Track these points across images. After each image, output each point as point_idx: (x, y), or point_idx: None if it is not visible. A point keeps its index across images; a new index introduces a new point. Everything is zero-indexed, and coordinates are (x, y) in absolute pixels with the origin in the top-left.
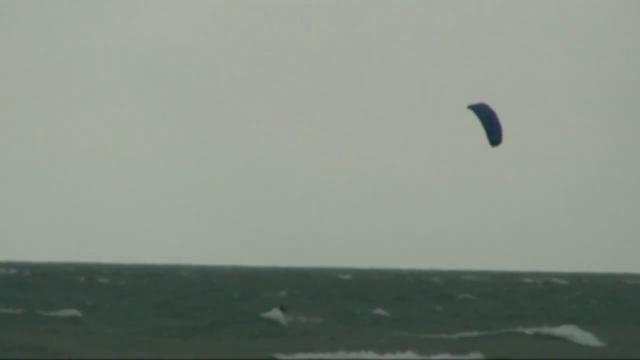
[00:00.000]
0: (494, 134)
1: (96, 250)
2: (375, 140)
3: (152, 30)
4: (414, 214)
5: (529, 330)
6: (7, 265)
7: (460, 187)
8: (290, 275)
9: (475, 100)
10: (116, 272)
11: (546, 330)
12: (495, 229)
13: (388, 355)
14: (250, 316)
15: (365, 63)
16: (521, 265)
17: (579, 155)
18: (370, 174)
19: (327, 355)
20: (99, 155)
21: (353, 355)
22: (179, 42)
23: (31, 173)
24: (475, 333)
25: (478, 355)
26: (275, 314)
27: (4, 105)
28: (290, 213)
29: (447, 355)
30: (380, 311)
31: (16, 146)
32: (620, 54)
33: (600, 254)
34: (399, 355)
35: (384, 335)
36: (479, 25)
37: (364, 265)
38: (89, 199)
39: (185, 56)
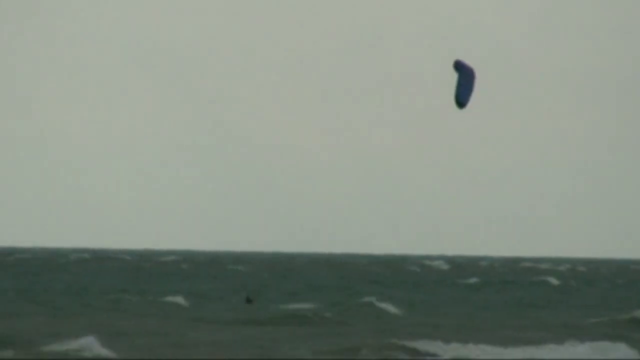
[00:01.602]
0: (466, 97)
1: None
2: (382, 128)
3: (152, 28)
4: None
5: None
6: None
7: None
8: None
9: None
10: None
11: None
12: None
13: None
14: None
15: (363, 58)
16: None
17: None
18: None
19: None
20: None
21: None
22: (179, 39)
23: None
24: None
25: None
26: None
27: (3, 104)
28: (291, 206)
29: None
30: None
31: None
32: (606, 42)
33: None
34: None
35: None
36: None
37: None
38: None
39: (184, 51)
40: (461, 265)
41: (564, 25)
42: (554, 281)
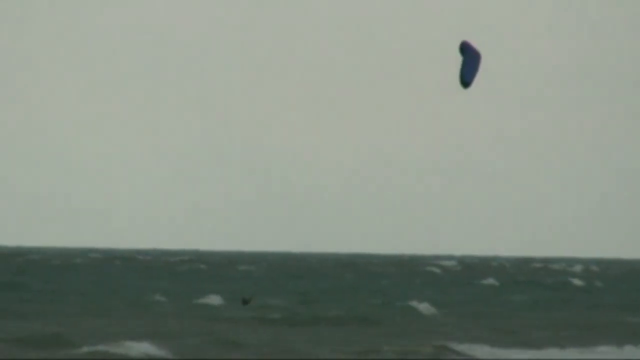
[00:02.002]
0: (471, 77)
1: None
2: (382, 127)
3: (152, 28)
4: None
5: None
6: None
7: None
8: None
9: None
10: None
11: None
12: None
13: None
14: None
15: (365, 58)
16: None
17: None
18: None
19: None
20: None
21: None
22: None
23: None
24: None
25: None
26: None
27: (4, 102)
28: (292, 204)
29: None
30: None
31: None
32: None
33: None
34: None
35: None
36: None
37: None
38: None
39: (184, 51)
40: (473, 266)
41: (576, 23)
42: (577, 282)
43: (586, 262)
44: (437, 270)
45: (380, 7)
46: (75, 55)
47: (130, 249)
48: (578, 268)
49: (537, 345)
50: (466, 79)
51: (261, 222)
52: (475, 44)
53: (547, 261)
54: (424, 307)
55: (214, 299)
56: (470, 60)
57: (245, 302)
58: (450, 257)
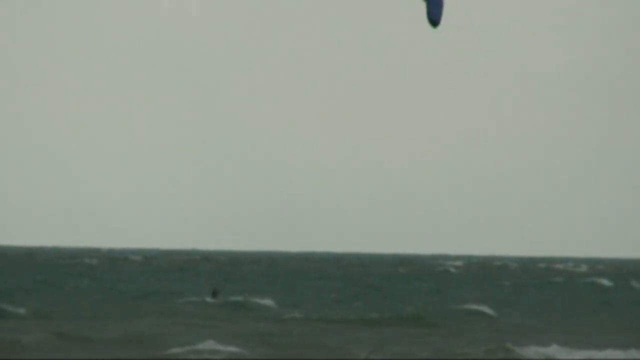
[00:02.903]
0: (438, 14)
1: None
2: (385, 129)
3: (152, 28)
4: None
5: None
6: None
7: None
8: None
9: None
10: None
11: None
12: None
13: None
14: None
15: (368, 57)
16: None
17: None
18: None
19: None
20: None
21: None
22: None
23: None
24: None
25: None
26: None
27: (3, 101)
28: (290, 202)
29: None
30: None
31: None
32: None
33: None
34: None
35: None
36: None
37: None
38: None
39: (186, 51)
40: (477, 265)
41: (577, 24)
42: (605, 282)
43: (590, 262)
44: (452, 270)
45: (381, 7)
46: (75, 56)
47: (126, 248)
48: (584, 267)
49: (613, 346)
50: (434, 18)
51: (260, 222)
52: (477, 45)
53: (549, 261)
54: (486, 309)
55: (268, 301)
56: (436, 3)
57: (214, 294)
58: (447, 257)
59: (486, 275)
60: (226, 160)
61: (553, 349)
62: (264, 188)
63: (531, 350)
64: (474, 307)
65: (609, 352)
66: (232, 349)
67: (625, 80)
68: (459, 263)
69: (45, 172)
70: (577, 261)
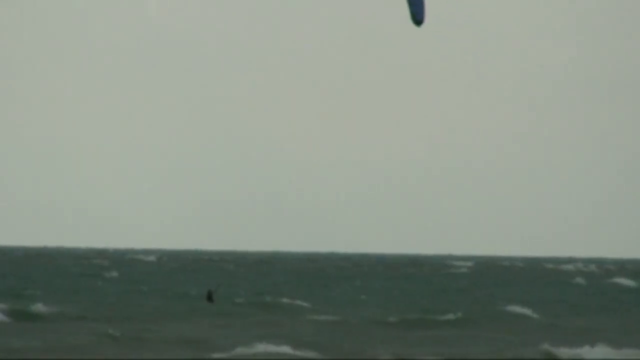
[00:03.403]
0: (421, 12)
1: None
2: (390, 126)
3: (153, 28)
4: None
5: None
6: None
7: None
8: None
9: None
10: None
11: None
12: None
13: None
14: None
15: (370, 58)
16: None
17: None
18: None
19: None
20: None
21: None
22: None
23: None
24: None
25: None
26: None
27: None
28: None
29: None
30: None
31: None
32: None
33: None
34: None
35: None
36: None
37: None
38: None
39: (188, 51)
40: (485, 265)
41: (573, 24)
42: (630, 283)
43: (594, 262)
44: (465, 270)
45: (381, 7)
46: (75, 56)
47: (128, 248)
48: (593, 267)
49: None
50: (418, 18)
51: (259, 223)
52: (478, 45)
53: (555, 261)
54: (526, 310)
55: (302, 302)
56: (418, 2)
57: (209, 297)
58: (450, 257)
59: (502, 275)
60: (226, 161)
61: (603, 350)
62: (265, 188)
63: (584, 350)
64: (515, 308)
65: None
66: (285, 349)
67: (628, 79)
68: (469, 263)
69: (46, 173)
70: (585, 261)
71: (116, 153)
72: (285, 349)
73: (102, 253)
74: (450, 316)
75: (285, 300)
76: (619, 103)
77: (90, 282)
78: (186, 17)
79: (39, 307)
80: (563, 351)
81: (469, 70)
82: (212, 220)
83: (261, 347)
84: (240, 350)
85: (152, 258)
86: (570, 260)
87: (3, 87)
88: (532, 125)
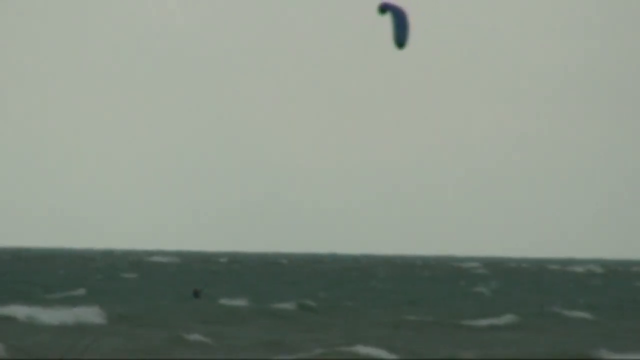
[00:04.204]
0: (403, 36)
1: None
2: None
3: (154, 28)
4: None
5: None
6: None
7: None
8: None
9: None
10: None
11: None
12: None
13: None
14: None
15: (367, 57)
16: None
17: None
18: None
19: None
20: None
21: None
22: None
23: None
24: None
25: None
26: None
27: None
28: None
29: None
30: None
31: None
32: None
33: None
34: None
35: None
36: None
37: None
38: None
39: (189, 51)
40: (495, 266)
41: (580, 24)
42: None
43: (604, 264)
44: (480, 271)
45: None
46: (76, 56)
47: (133, 249)
48: (600, 269)
49: None
50: (400, 41)
51: (263, 225)
52: (478, 43)
53: (561, 262)
54: (575, 313)
55: (349, 303)
56: (399, 21)
57: (196, 295)
58: (454, 259)
59: (519, 277)
60: (229, 163)
61: None
62: (268, 190)
63: None
64: (566, 311)
65: None
66: (371, 349)
67: (632, 78)
68: (477, 264)
69: (47, 174)
70: (594, 262)
71: (119, 154)
72: (371, 349)
73: (109, 255)
74: (507, 318)
75: (334, 301)
76: (631, 103)
77: (123, 283)
78: (187, 17)
79: (85, 310)
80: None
81: (479, 73)
82: (212, 222)
83: (356, 348)
84: (319, 352)
85: (174, 259)
86: (572, 262)
87: (3, 87)
88: (541, 128)
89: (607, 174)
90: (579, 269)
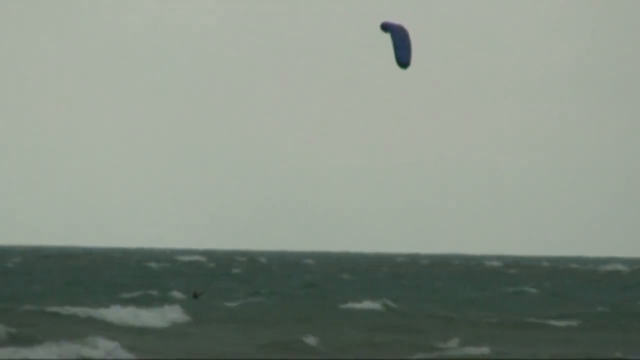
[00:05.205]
0: (404, 57)
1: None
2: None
3: (155, 28)
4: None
5: None
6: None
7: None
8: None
9: None
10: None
11: None
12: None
13: None
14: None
15: (369, 57)
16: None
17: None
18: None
19: None
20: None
21: None
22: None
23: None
24: None
25: None
26: None
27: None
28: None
29: None
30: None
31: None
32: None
33: None
34: None
35: None
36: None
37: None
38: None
39: (190, 51)
40: (516, 264)
41: (583, 24)
42: None
43: (629, 263)
44: (514, 271)
45: (388, 10)
46: (76, 56)
47: (129, 248)
48: (624, 267)
49: None
50: (403, 61)
51: (266, 223)
52: (482, 46)
53: (574, 261)
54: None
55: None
56: (399, 41)
57: (195, 296)
58: (464, 257)
59: (556, 276)
60: (232, 162)
61: None
62: (270, 191)
63: None
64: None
65: None
66: (478, 349)
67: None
68: (499, 263)
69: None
70: (595, 261)
71: (138, 156)
72: (478, 349)
73: (123, 253)
74: (580, 317)
75: (409, 302)
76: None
77: (176, 283)
78: (188, 17)
79: (155, 315)
80: None
81: (482, 73)
82: (214, 220)
83: (461, 347)
84: (441, 353)
85: (202, 258)
86: (583, 260)
87: (3, 88)
88: (555, 126)
89: (618, 173)
90: (608, 267)
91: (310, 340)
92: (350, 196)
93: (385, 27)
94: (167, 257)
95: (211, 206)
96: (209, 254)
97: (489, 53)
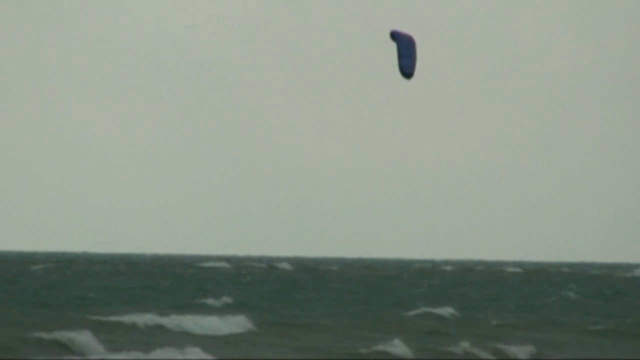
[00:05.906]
0: (407, 66)
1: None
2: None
3: (155, 28)
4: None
5: None
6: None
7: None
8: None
9: None
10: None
11: None
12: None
13: None
14: None
15: (371, 57)
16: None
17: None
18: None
19: None
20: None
21: None
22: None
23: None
24: None
25: None
26: None
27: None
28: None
29: None
30: None
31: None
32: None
33: None
34: None
35: None
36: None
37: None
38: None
39: (191, 51)
40: (536, 271)
41: (585, 25)
42: None
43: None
44: (528, 276)
45: (389, 9)
46: (75, 56)
47: (132, 253)
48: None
49: None
50: (406, 71)
51: (268, 227)
52: (484, 47)
53: (593, 267)
54: None
55: (449, 310)
56: (405, 50)
57: None
58: (472, 262)
59: (581, 281)
60: (236, 164)
61: None
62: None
63: None
64: None
65: None
66: (515, 348)
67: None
68: (518, 269)
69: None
70: (610, 267)
71: (121, 156)
72: (530, 349)
73: (140, 258)
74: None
75: (432, 310)
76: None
77: (214, 289)
78: (189, 18)
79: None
80: None
81: (488, 76)
82: (218, 225)
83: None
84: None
85: (225, 265)
86: (598, 266)
87: (4, 88)
88: (573, 130)
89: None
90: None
91: (398, 350)
92: (358, 200)
93: (393, 35)
94: (186, 263)
95: (224, 210)
96: (226, 259)
97: (497, 53)
